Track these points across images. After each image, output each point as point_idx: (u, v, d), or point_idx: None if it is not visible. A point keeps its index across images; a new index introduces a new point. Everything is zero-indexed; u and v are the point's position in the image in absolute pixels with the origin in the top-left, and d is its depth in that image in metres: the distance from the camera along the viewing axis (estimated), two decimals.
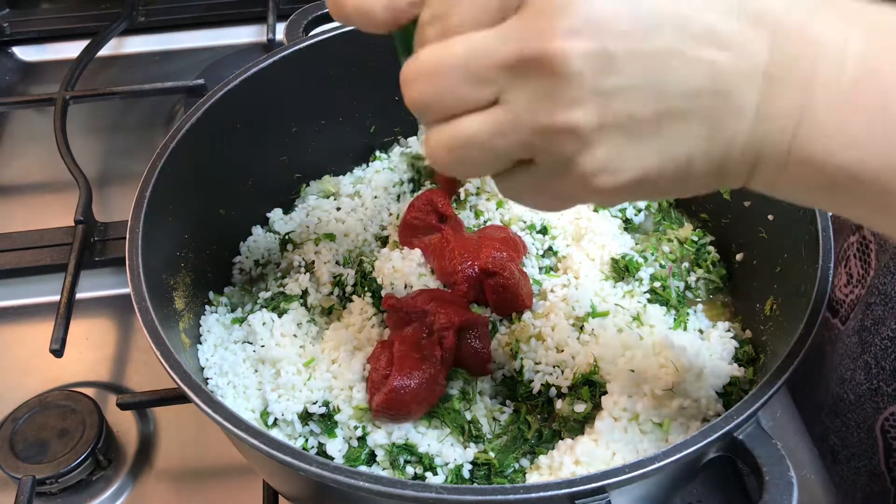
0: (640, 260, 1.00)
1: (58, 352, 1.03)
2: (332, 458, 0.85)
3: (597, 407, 0.84)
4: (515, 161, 0.56)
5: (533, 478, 0.82)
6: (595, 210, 1.07)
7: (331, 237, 1.05)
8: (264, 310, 0.98)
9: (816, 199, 0.60)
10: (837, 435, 1.04)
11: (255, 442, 0.69)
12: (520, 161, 0.56)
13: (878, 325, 0.95)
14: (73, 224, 1.19)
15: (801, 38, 0.52)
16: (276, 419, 0.88)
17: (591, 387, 0.86)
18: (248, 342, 0.96)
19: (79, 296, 1.12)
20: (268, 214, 1.10)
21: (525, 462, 0.85)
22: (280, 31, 1.34)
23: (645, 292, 0.97)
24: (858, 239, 1.03)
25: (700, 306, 1.00)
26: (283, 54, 1.02)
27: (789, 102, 0.53)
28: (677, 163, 0.55)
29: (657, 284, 0.98)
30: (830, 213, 0.84)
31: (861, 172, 0.53)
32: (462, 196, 1.07)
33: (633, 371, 0.84)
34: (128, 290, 0.80)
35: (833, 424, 1.05)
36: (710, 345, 0.92)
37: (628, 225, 1.07)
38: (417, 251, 0.98)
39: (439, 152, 0.57)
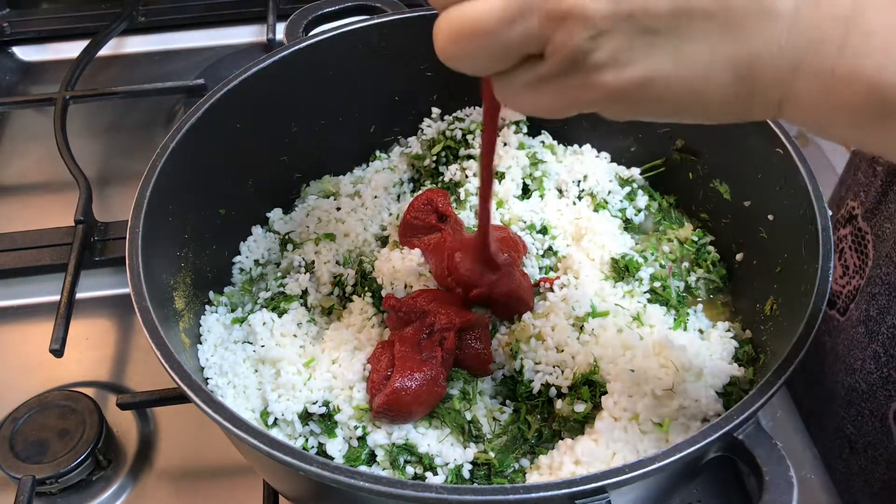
0: (640, 260, 1.00)
1: (58, 352, 1.03)
2: (332, 458, 0.85)
3: (597, 407, 0.84)
4: (523, 56, 0.53)
5: (533, 478, 0.82)
6: (595, 210, 1.07)
7: (331, 237, 1.05)
8: (264, 310, 0.98)
9: (858, 130, 0.53)
10: (853, 424, 1.05)
11: (255, 442, 0.69)
12: (526, 58, 0.53)
13: (884, 314, 0.96)
14: (73, 224, 1.19)
15: None
16: (276, 419, 0.88)
17: (591, 387, 0.86)
18: (248, 342, 0.96)
19: (79, 296, 1.12)
20: (268, 214, 1.10)
21: (525, 462, 0.85)
22: (280, 31, 1.34)
23: (645, 292, 0.97)
24: (853, 231, 1.03)
25: (700, 306, 1.00)
26: (283, 54, 1.02)
27: (835, 9, 0.48)
28: (694, 68, 0.51)
29: (657, 284, 0.98)
30: (829, 215, 0.84)
31: None
32: (462, 196, 1.07)
33: (633, 371, 0.84)
34: (128, 290, 0.80)
35: (848, 414, 1.05)
36: (710, 345, 0.92)
37: (628, 225, 1.07)
38: (417, 251, 0.98)
39: (445, 42, 0.54)
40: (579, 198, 1.09)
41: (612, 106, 0.55)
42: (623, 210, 1.07)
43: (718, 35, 0.50)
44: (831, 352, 1.07)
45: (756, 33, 0.50)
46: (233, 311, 1.01)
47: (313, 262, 1.02)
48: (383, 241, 1.06)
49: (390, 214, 1.08)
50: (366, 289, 0.98)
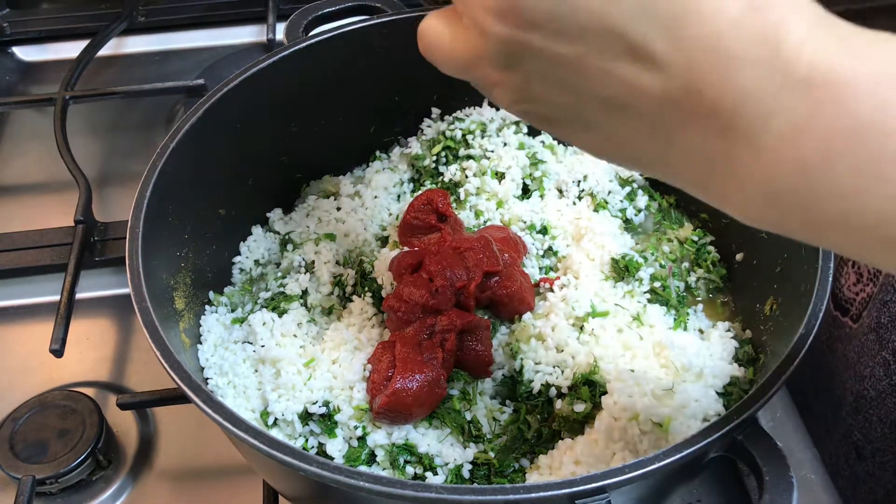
0: (640, 260, 1.00)
1: (58, 352, 1.03)
2: (332, 458, 0.85)
3: (597, 407, 0.84)
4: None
5: (533, 478, 0.82)
6: (595, 210, 1.07)
7: (331, 237, 1.05)
8: (264, 310, 0.98)
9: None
10: (861, 431, 1.05)
11: (255, 442, 0.69)
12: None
13: (895, 321, 0.96)
14: (73, 224, 1.19)
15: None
16: (276, 419, 0.88)
17: (590, 387, 0.86)
18: (249, 342, 0.96)
19: (79, 296, 1.12)
20: (268, 214, 1.10)
21: (525, 462, 0.85)
22: (280, 31, 1.34)
23: (645, 292, 0.97)
24: None
25: (700, 306, 1.00)
26: (283, 54, 1.02)
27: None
28: (611, 142, 0.53)
29: (657, 284, 0.98)
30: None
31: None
32: (462, 196, 1.07)
33: (633, 371, 0.84)
34: (128, 290, 0.80)
35: (856, 421, 1.05)
36: (710, 345, 0.92)
37: (628, 225, 1.07)
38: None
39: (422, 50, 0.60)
40: (579, 198, 1.09)
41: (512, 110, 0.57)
42: (623, 210, 1.07)
43: (627, 133, 0.53)
44: (842, 358, 1.07)
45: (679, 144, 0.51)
46: (233, 311, 1.01)
47: (313, 262, 1.02)
48: (383, 241, 1.06)
49: (390, 214, 1.08)
50: (366, 289, 0.98)
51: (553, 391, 0.87)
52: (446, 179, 1.10)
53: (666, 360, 0.85)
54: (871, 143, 0.44)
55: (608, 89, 0.49)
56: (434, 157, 1.11)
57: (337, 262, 1.02)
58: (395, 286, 0.95)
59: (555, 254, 1.02)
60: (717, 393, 0.86)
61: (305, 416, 0.87)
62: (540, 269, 1.01)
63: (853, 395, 1.05)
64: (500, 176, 1.08)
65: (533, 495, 0.65)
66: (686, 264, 1.03)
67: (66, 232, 1.21)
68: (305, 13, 1.12)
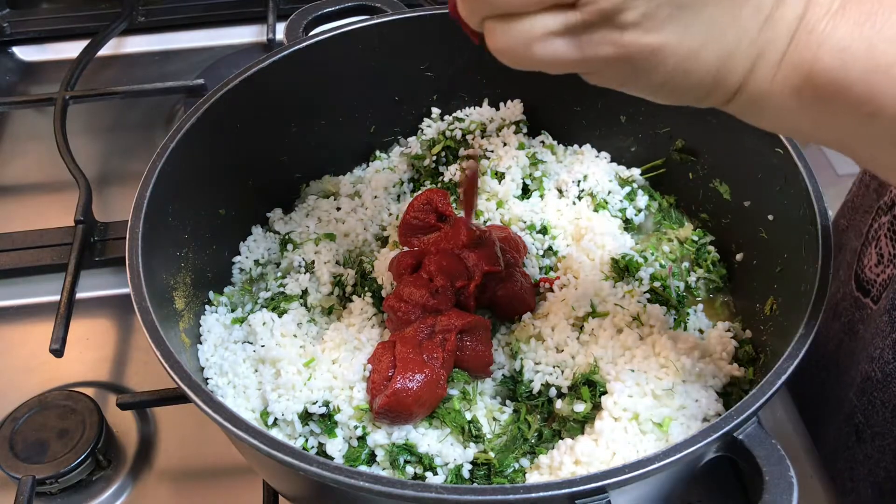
0: (640, 260, 1.00)
1: (58, 352, 1.03)
2: (332, 458, 0.85)
3: (597, 407, 0.84)
4: (552, 2, 0.55)
5: (533, 478, 0.82)
6: (595, 210, 1.07)
7: (331, 237, 1.05)
8: (264, 310, 0.98)
9: (798, 117, 0.61)
10: (863, 413, 1.04)
11: (255, 442, 0.69)
12: (553, 5, 0.56)
13: None
14: (73, 224, 1.19)
15: None
16: (276, 419, 0.88)
17: (591, 387, 0.86)
18: (249, 342, 0.96)
19: (79, 296, 1.12)
20: (268, 214, 1.10)
21: (525, 462, 0.85)
22: (280, 31, 1.34)
23: (645, 292, 0.97)
24: (890, 219, 1.03)
25: (700, 306, 1.00)
26: (283, 54, 1.02)
27: (792, 11, 0.56)
28: (691, 46, 0.56)
29: (657, 284, 0.98)
30: (830, 215, 0.84)
31: (844, 78, 0.56)
32: (462, 196, 1.07)
33: (633, 371, 0.84)
34: (128, 290, 0.80)
35: (860, 402, 1.05)
36: (710, 345, 0.92)
37: (628, 225, 1.07)
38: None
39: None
40: (579, 198, 1.09)
41: (614, 69, 0.58)
42: (623, 210, 1.07)
43: (722, 19, 0.55)
44: (861, 340, 1.07)
45: (744, 25, 0.56)
46: (233, 311, 1.01)
47: (313, 262, 1.02)
48: (383, 241, 1.06)
49: (390, 214, 1.08)
50: (366, 289, 0.98)
51: (553, 391, 0.87)
52: (446, 179, 1.10)
53: (666, 360, 0.85)
54: None
55: None
56: (434, 157, 1.11)
57: (337, 262, 1.02)
58: (395, 286, 0.95)
59: (555, 254, 1.02)
60: (717, 393, 0.86)
61: (305, 416, 0.87)
62: (540, 269, 1.01)
63: (862, 377, 1.04)
64: (500, 176, 1.08)
65: (533, 495, 0.65)
66: (686, 264, 1.03)
67: (66, 232, 1.21)
68: (305, 13, 1.12)
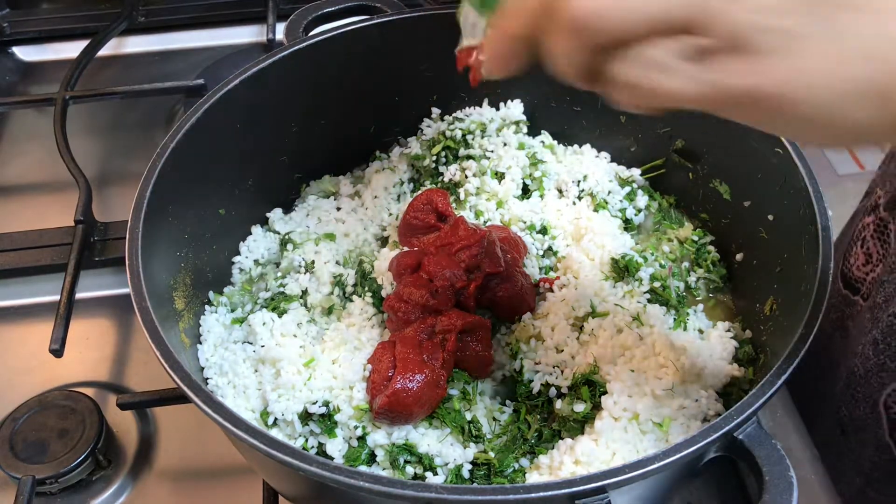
0: (640, 260, 1.00)
1: (58, 352, 1.03)
2: (332, 458, 0.85)
3: (597, 407, 0.84)
4: (669, 27, 0.47)
5: (533, 478, 0.82)
6: (595, 210, 1.07)
7: (331, 237, 1.05)
8: (264, 310, 0.98)
9: None
10: (847, 407, 1.06)
11: (255, 442, 0.69)
12: (668, 32, 0.47)
13: (888, 302, 0.96)
14: (73, 224, 1.19)
15: None
16: (276, 419, 0.88)
17: (591, 387, 0.86)
18: (248, 342, 0.96)
19: (79, 296, 1.12)
20: (268, 214, 1.10)
21: (525, 462, 0.85)
22: (280, 31, 1.34)
23: (645, 292, 0.97)
24: (875, 220, 1.04)
25: (700, 306, 1.00)
26: (283, 54, 1.02)
27: None
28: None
29: (657, 284, 0.98)
30: (829, 215, 0.84)
31: None
32: (462, 196, 1.07)
33: (633, 371, 0.84)
34: (128, 290, 0.80)
35: (844, 397, 1.07)
36: (710, 345, 0.92)
37: (628, 225, 1.07)
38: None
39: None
40: (579, 198, 1.09)
41: (747, 107, 0.48)
42: (623, 210, 1.07)
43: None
44: (849, 336, 1.08)
45: None
46: (233, 311, 1.01)
47: (313, 262, 1.02)
48: (383, 241, 1.06)
49: (390, 214, 1.08)
50: (366, 289, 0.98)
51: (553, 391, 0.87)
52: (446, 179, 1.10)
53: (666, 360, 0.85)
54: None
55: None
56: (434, 157, 1.11)
57: (337, 262, 1.02)
58: (395, 286, 0.95)
59: (555, 254, 1.02)
60: (717, 393, 0.86)
61: (305, 416, 0.87)
62: (540, 269, 1.01)
63: (847, 372, 1.06)
64: (500, 176, 1.08)
65: (533, 495, 0.65)
66: (686, 264, 1.03)
67: (66, 232, 1.21)
68: (305, 13, 1.12)
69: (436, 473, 0.83)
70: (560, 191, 1.10)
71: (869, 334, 1.00)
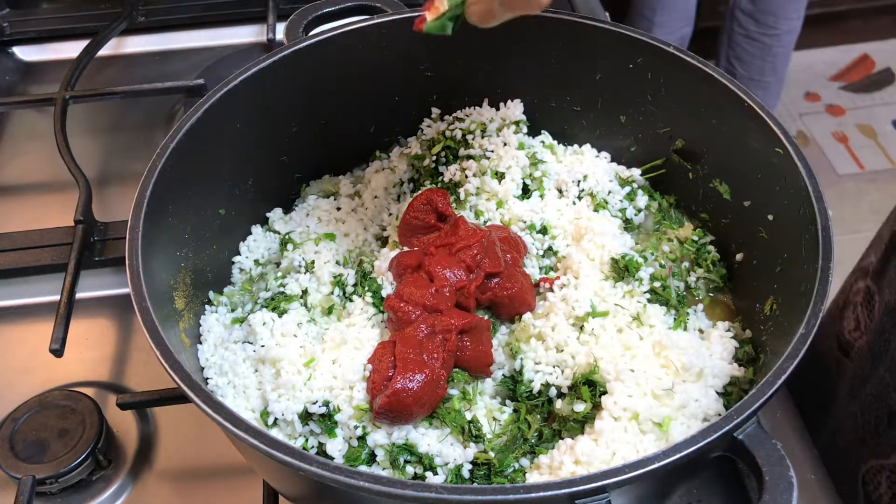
0: (640, 260, 1.00)
1: (58, 352, 1.03)
2: (332, 458, 0.85)
3: (597, 407, 0.84)
4: None
5: (533, 477, 0.82)
6: (595, 210, 1.07)
7: (331, 237, 1.05)
8: (264, 310, 0.98)
9: None
10: (833, 480, 1.05)
11: (255, 442, 0.69)
12: None
13: (867, 379, 0.96)
14: (73, 224, 1.19)
15: None
16: (276, 419, 0.88)
17: (591, 387, 0.86)
18: (249, 342, 0.96)
19: (79, 296, 1.12)
20: (268, 214, 1.10)
21: (525, 462, 0.85)
22: (280, 31, 1.34)
23: (645, 292, 0.97)
24: (864, 287, 1.04)
25: (700, 306, 1.00)
26: (283, 54, 1.02)
27: None
28: None
29: (657, 284, 0.98)
30: (829, 215, 0.84)
31: None
32: (462, 196, 1.07)
33: (633, 371, 0.84)
34: (128, 290, 0.80)
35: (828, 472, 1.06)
36: (710, 345, 0.92)
37: (628, 225, 1.07)
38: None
39: None
40: (579, 198, 1.09)
41: None
42: (623, 210, 1.07)
43: None
44: (838, 400, 1.08)
45: None
46: (233, 311, 1.01)
47: (313, 261, 1.02)
48: (383, 241, 1.06)
49: (390, 214, 1.08)
50: (366, 289, 0.98)
51: (553, 391, 0.87)
52: (446, 179, 1.10)
53: (666, 360, 0.85)
54: None
55: None
56: (434, 157, 1.11)
57: (337, 262, 1.02)
58: (395, 286, 0.95)
59: (555, 254, 1.02)
60: (717, 393, 0.86)
61: (305, 416, 0.87)
62: (540, 269, 1.01)
63: (826, 443, 1.06)
64: (500, 176, 1.08)
65: (533, 495, 0.65)
66: (686, 264, 1.03)
67: (66, 232, 1.21)
68: (305, 13, 1.12)
69: (436, 473, 0.83)
70: (560, 191, 1.10)
71: (847, 409, 1.00)
